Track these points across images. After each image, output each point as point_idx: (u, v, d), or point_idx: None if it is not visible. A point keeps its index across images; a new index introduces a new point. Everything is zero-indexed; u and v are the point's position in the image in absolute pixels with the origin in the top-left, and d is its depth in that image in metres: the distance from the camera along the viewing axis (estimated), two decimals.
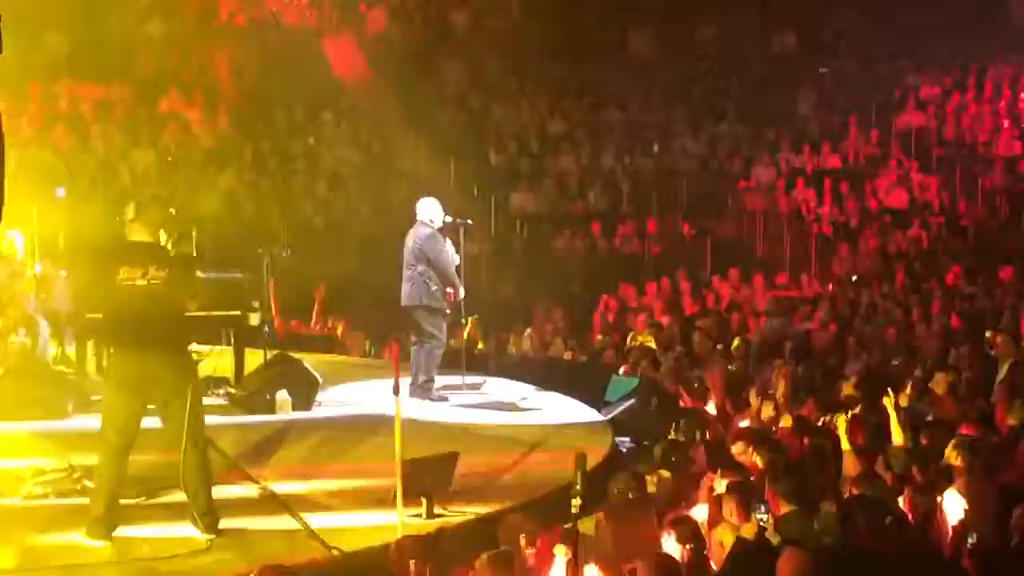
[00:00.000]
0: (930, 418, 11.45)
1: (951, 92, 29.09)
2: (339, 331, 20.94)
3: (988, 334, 15.34)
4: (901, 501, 8.70)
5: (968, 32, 28.64)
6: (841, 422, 10.41)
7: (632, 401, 14.54)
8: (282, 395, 13.43)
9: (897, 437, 10.37)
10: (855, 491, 8.77)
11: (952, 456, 9.22)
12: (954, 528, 8.29)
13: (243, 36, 28.94)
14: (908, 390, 12.26)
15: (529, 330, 20.98)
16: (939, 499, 8.69)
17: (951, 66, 29.89)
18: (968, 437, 9.83)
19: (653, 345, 17.89)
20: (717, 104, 30.27)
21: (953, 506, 8.54)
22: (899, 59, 30.32)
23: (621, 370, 16.52)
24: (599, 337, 19.94)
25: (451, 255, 14.29)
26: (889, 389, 10.84)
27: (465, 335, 16.86)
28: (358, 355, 20.23)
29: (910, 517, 8.56)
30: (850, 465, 9.75)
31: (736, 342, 17.22)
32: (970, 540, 7.84)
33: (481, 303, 19.36)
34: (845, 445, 9.93)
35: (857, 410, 11.31)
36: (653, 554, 7.44)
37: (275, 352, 14.44)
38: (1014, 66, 28.87)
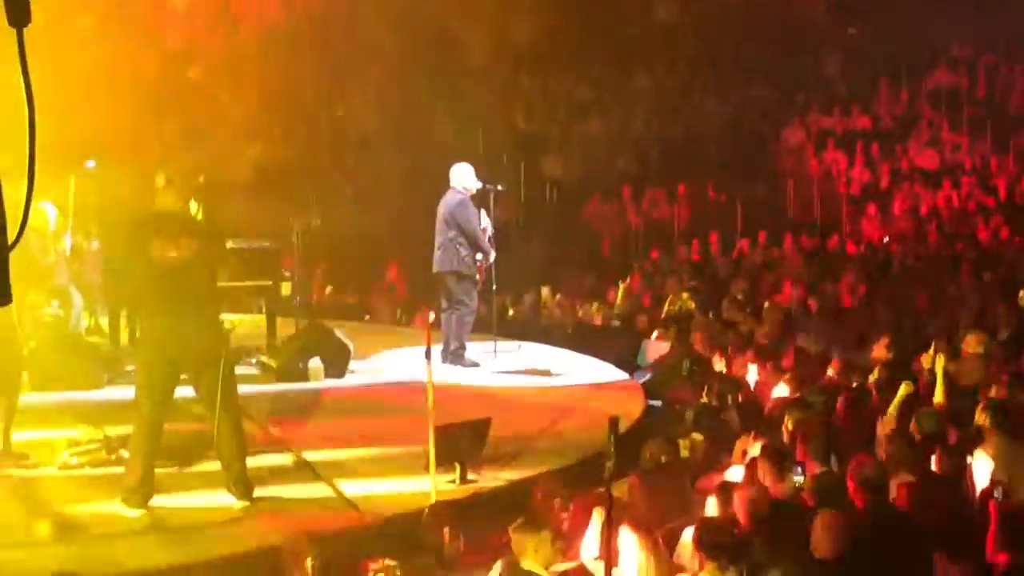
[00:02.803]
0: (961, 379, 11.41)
1: (982, 51, 28.86)
2: (371, 297, 21.03)
3: (1022, 293, 15.26)
4: (932, 462, 8.67)
5: None
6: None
7: (664, 365, 14.56)
8: (314, 363, 13.50)
9: (938, 396, 10.34)
10: (887, 451, 8.77)
11: (981, 417, 9.19)
12: (983, 489, 8.27)
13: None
14: (934, 351, 12.20)
15: (560, 295, 20.98)
16: (969, 460, 8.67)
17: (981, 25, 29.62)
18: (997, 399, 9.79)
19: (692, 306, 17.87)
20: (745, 67, 30.10)
21: (982, 467, 8.52)
22: (929, 19, 30.06)
23: (653, 335, 16.52)
24: (630, 301, 19.90)
25: (482, 221, 14.32)
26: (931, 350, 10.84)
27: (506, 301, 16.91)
28: (389, 322, 20.27)
29: (941, 477, 8.53)
30: (883, 425, 9.74)
31: (767, 305, 17.17)
32: (996, 494, 7.83)
33: (511, 269, 19.38)
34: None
35: (886, 371, 11.27)
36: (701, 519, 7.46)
37: (306, 320, 14.49)
38: None
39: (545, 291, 21.02)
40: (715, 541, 6.94)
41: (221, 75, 26.58)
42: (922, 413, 9.69)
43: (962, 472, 8.57)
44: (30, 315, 11.59)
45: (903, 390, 10.31)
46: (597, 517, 7.45)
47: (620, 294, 19.90)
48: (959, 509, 8.01)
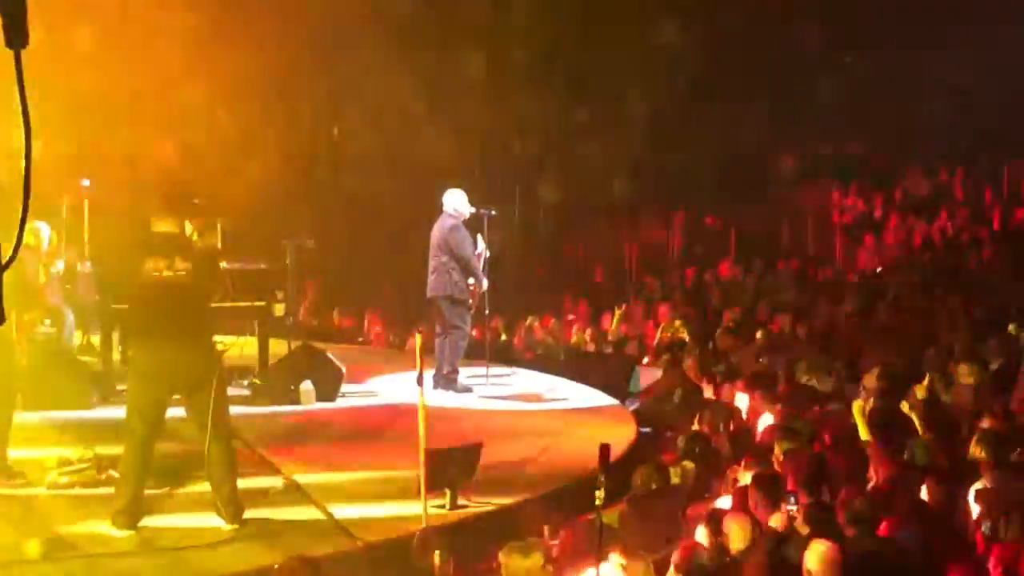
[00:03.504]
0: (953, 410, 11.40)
1: (980, 80, 28.88)
2: (365, 323, 21.02)
3: (1011, 327, 15.25)
4: (924, 492, 8.66)
5: (995, 19, 28.39)
6: (857, 409, 10.40)
7: (656, 392, 14.55)
8: (306, 386, 13.48)
9: (922, 429, 10.33)
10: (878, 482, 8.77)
11: (976, 450, 9.18)
12: (978, 522, 8.27)
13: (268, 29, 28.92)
14: (929, 382, 12.20)
15: (553, 321, 20.98)
16: (968, 492, 8.66)
17: (978, 54, 29.65)
18: (991, 431, 9.77)
19: (685, 335, 17.87)
20: (742, 94, 30.12)
21: (981, 501, 8.52)
22: (925, 47, 30.12)
23: (645, 361, 16.52)
24: (623, 328, 19.89)
25: (477, 247, 14.35)
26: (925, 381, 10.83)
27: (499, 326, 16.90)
28: (382, 346, 20.27)
29: (933, 508, 8.52)
30: (873, 456, 9.73)
31: (760, 334, 17.16)
32: (984, 529, 7.84)
33: (505, 294, 19.38)
34: (864, 435, 9.88)
35: (875, 401, 11.26)
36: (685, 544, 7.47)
37: (299, 343, 14.48)
38: None
39: (531, 319, 20.98)
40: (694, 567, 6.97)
41: (218, 95, 26.60)
42: (916, 443, 9.68)
43: (955, 504, 8.56)
44: (24, 334, 11.56)
45: (856, 408, 10.36)
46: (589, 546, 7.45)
47: (616, 320, 19.89)
48: (953, 541, 8.02)
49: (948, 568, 7.22)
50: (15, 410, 10.10)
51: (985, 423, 10.17)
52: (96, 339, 14.99)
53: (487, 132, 27.90)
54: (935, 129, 27.16)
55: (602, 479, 6.51)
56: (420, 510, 8.67)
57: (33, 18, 2.68)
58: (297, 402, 13.37)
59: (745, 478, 9.21)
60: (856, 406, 10.47)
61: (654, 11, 30.01)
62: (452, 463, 9.39)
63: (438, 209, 14.42)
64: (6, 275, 2.66)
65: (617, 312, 20.05)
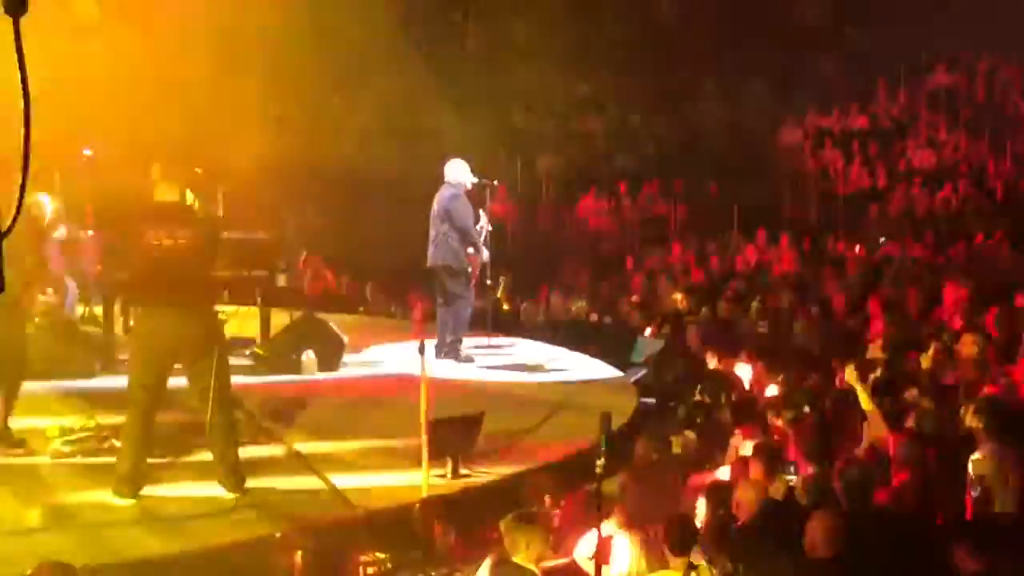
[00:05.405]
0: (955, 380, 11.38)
1: (981, 52, 28.83)
2: (367, 291, 21.01)
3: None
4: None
5: None
6: (850, 373, 10.32)
7: (658, 363, 14.57)
8: (308, 355, 13.48)
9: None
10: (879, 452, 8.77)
11: (973, 420, 9.16)
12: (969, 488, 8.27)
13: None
14: (933, 352, 12.20)
15: (555, 291, 20.96)
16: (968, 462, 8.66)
17: (981, 26, 29.58)
18: (988, 399, 9.74)
19: (684, 306, 17.86)
20: (744, 66, 30.06)
21: (976, 469, 8.52)
22: (929, 19, 30.03)
23: (647, 331, 16.52)
24: (625, 298, 19.87)
25: (478, 217, 14.34)
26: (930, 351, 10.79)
27: (499, 294, 16.87)
28: (384, 315, 20.27)
29: (936, 478, 8.53)
30: (875, 426, 9.73)
31: (755, 304, 17.15)
32: (974, 492, 7.85)
33: (507, 265, 19.40)
34: (867, 406, 9.86)
35: (881, 371, 11.25)
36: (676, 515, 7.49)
37: (301, 312, 14.48)
38: None
39: (541, 287, 20.92)
40: (679, 539, 7.01)
41: (220, 65, 26.55)
42: (921, 413, 9.67)
43: (957, 474, 8.56)
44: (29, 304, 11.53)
45: (849, 374, 10.28)
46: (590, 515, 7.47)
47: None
48: (954, 511, 8.04)
49: (948, 537, 7.22)
50: (23, 379, 10.10)
51: (984, 393, 10.17)
52: (98, 309, 14.99)
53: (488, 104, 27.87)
54: (938, 101, 27.12)
55: (603, 449, 6.52)
56: (421, 479, 8.70)
57: None
58: (299, 371, 13.37)
59: (745, 448, 9.22)
60: (849, 371, 10.39)
61: None
62: (454, 432, 9.40)
63: (440, 178, 14.41)
64: (10, 246, 2.66)
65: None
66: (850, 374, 10.27)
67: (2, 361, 9.80)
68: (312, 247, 22.15)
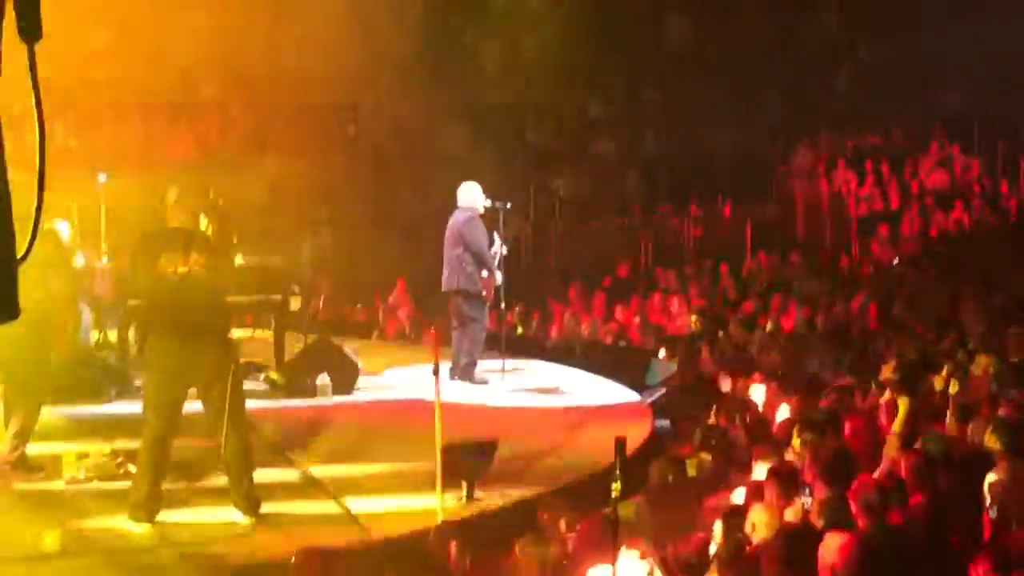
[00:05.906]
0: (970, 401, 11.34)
1: (995, 71, 28.75)
2: (380, 315, 21.05)
3: None
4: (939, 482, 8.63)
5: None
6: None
7: (672, 385, 14.54)
8: (322, 379, 13.49)
9: (949, 421, 10.23)
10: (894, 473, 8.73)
11: (990, 440, 9.13)
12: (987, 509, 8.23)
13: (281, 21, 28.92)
14: (946, 373, 12.16)
15: (568, 313, 20.96)
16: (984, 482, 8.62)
17: (995, 44, 29.48)
18: (1006, 419, 9.72)
19: (698, 327, 17.84)
20: (757, 86, 30.04)
21: (993, 489, 8.48)
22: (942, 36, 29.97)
23: (661, 354, 16.49)
24: (640, 320, 19.86)
25: (493, 242, 14.36)
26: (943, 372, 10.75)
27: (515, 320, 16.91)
28: (398, 339, 20.29)
29: (951, 499, 8.50)
30: (891, 447, 9.70)
31: (769, 326, 17.12)
32: (991, 513, 7.81)
33: (520, 287, 19.41)
34: (897, 427, 9.84)
35: (892, 394, 11.21)
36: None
37: (315, 337, 14.50)
38: None
39: (554, 309, 20.96)
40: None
41: (233, 90, 26.65)
42: (929, 435, 9.64)
43: (971, 495, 8.52)
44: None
45: (903, 407, 10.28)
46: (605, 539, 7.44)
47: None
48: (968, 533, 7.99)
49: (966, 560, 7.18)
50: (43, 405, 10.13)
51: (1000, 413, 10.13)
52: (113, 335, 15.02)
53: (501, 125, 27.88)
54: (951, 119, 27.07)
55: (618, 472, 6.51)
56: (436, 504, 8.68)
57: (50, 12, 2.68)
58: (314, 396, 13.38)
59: (760, 471, 9.18)
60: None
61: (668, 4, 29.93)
62: (468, 456, 9.40)
63: (455, 200, 14.44)
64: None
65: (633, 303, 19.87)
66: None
67: (24, 384, 9.84)
68: (325, 271, 22.18)
